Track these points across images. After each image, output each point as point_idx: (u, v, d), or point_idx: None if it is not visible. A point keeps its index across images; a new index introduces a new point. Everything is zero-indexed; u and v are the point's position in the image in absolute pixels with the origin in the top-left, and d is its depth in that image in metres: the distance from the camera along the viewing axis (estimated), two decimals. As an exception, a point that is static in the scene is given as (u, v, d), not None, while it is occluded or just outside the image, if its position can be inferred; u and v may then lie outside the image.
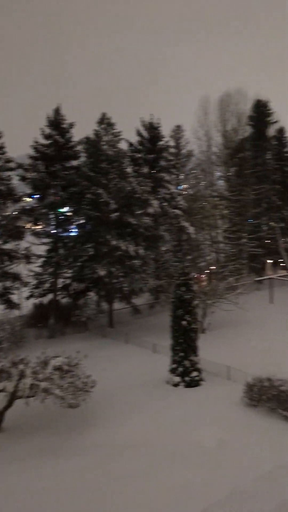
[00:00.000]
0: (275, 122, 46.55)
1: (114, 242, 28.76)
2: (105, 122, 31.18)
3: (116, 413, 16.84)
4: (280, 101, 51.21)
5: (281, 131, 46.57)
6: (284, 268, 44.79)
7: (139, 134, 37.02)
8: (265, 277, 39.26)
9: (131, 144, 36.70)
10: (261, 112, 44.59)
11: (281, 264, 46.14)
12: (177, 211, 34.84)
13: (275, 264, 46.54)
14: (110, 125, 31.36)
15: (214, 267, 39.18)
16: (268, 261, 45.90)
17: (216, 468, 12.32)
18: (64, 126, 31.17)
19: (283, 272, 43.97)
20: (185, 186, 43.88)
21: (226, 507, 2.07)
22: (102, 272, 28.33)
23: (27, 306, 31.60)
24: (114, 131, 31.44)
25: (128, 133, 35.23)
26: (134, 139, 37.05)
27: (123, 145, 33.54)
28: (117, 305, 32.38)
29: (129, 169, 31.97)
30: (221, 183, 48.28)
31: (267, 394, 16.33)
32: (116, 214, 30.31)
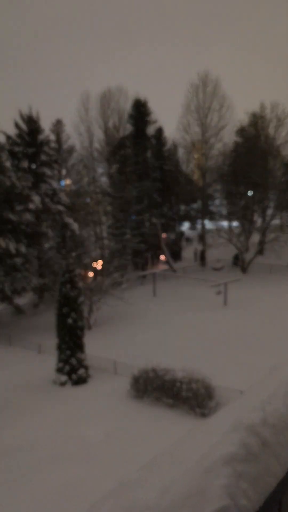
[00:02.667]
0: (154, 122, 48.31)
1: (-7, 240, 27.21)
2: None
3: (-1, 420, 15.97)
4: (159, 102, 53.23)
5: (159, 130, 48.48)
6: (166, 262, 46.88)
7: (17, 126, 35.43)
8: (148, 272, 40.62)
9: (9, 137, 34.98)
10: (140, 111, 45.87)
11: (162, 259, 48.22)
12: (60, 207, 34.22)
13: (158, 259, 48.49)
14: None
15: (99, 263, 39.42)
16: (151, 256, 47.62)
17: (103, 463, 12.39)
18: None
19: (165, 266, 46.02)
20: (68, 181, 43.38)
21: (113, 498, 2.09)
22: (-20, 272, 26.65)
23: None
24: (-10, 122, 29.70)
25: (5, 124, 33.51)
26: (12, 131, 35.38)
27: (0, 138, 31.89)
28: (-2, 306, 30.77)
29: (7, 163, 30.47)
30: (104, 179, 48.71)
31: (152, 384, 16.90)
32: (-6, 210, 28.66)
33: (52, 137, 38.76)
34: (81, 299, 21.12)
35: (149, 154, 47.42)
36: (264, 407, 1.30)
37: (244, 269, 41.88)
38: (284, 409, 1.34)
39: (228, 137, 48.91)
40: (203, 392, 15.88)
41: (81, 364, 19.62)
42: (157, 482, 1.43)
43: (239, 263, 43.66)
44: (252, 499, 1.09)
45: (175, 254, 50.17)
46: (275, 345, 21.61)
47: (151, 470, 1.56)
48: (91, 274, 34.61)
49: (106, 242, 44.94)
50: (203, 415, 15.29)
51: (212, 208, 51.49)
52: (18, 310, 30.92)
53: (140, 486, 1.44)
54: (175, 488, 1.09)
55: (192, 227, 60.66)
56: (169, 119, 48.19)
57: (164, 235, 47.63)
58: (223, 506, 1.00)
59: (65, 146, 40.89)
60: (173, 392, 16.35)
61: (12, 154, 33.99)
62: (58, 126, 40.18)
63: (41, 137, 35.59)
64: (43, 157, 35.39)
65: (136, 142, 44.94)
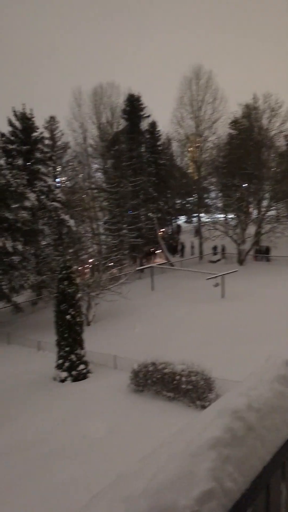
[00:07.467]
0: (148, 116, 48.14)
1: (-11, 239, 27.17)
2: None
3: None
4: (152, 96, 53.00)
5: (153, 125, 48.32)
6: (163, 256, 46.93)
7: (11, 124, 35.29)
8: (145, 266, 40.65)
9: (3, 135, 34.85)
10: (134, 106, 45.67)
11: (159, 252, 48.26)
12: (56, 204, 34.18)
13: (155, 253, 48.52)
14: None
15: (96, 259, 39.44)
16: (148, 250, 47.67)
17: (106, 458, 12.47)
18: None
19: (162, 260, 46.07)
20: (63, 178, 43.28)
21: (112, 491, 2.15)
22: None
23: None
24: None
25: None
26: (6, 129, 35.25)
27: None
28: (-4, 304, 30.78)
29: (2, 161, 30.38)
30: (99, 175, 48.61)
31: (152, 378, 16.98)
32: (-11, 209, 28.62)
33: (46, 134, 38.62)
34: (79, 295, 21.16)
35: (143, 148, 47.29)
36: (249, 392, 1.33)
37: (241, 261, 41.98)
38: (269, 394, 1.37)
39: (222, 130, 48.84)
40: (203, 384, 15.97)
41: (80, 360, 19.70)
42: (154, 471, 1.47)
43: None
44: (238, 481, 1.12)
45: (173, 248, 50.17)
46: (274, 335, 21.71)
47: (149, 461, 1.60)
48: (88, 270, 34.66)
49: (102, 237, 44.92)
50: (204, 408, 15.38)
51: (208, 201, 51.47)
52: (17, 308, 30.91)
53: (138, 477, 1.49)
54: (163, 473, 1.12)
55: (188, 221, 60.63)
56: (163, 113, 48.04)
57: (160, 229, 47.67)
58: (209, 488, 1.03)
59: (59, 143, 40.74)
60: (173, 385, 16.44)
61: (6, 152, 33.87)
62: (51, 123, 40.02)
63: (35, 134, 35.48)
64: (38, 155, 35.29)
65: (130, 137, 44.80)
